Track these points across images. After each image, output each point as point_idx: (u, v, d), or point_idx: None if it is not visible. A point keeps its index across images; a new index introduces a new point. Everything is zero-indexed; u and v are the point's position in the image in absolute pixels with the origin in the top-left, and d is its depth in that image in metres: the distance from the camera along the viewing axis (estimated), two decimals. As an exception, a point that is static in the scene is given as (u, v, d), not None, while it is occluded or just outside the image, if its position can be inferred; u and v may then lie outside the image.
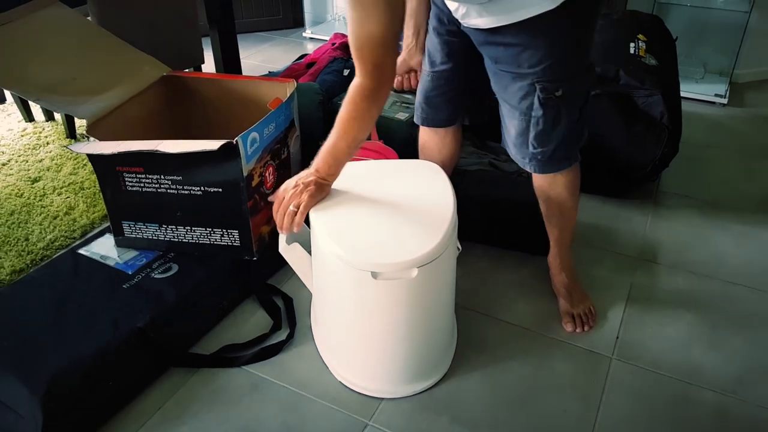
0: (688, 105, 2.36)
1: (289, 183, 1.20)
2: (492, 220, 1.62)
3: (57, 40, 1.53)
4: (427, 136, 1.47)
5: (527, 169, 1.29)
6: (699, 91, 2.51)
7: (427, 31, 1.36)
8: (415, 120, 1.46)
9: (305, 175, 1.19)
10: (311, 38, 3.32)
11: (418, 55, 1.67)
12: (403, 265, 1.07)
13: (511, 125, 1.25)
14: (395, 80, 1.65)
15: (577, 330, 1.38)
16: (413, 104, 1.48)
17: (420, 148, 1.50)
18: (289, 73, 2.30)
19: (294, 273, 1.35)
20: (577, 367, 1.31)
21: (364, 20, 1.00)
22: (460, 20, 1.17)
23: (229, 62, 2.26)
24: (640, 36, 2.02)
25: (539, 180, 1.33)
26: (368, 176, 1.29)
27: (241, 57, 2.34)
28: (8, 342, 1.19)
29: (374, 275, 1.07)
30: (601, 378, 1.28)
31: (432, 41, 1.32)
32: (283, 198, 1.19)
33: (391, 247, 1.09)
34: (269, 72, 2.48)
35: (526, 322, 1.42)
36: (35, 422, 1.07)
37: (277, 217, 1.19)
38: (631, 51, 1.94)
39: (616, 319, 1.43)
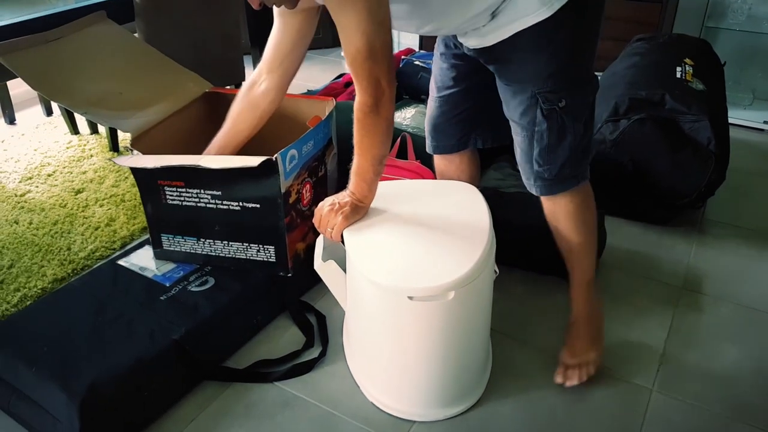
0: (736, 132, 2.30)
1: (326, 203, 1.20)
2: (528, 243, 1.60)
3: (105, 56, 1.58)
4: (441, 164, 1.44)
5: (532, 191, 1.23)
6: (747, 117, 2.44)
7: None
8: (427, 149, 1.42)
9: (342, 196, 1.19)
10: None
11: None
12: (440, 288, 1.06)
13: (516, 144, 1.21)
14: None
15: (566, 383, 1.27)
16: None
17: (438, 178, 1.47)
18: (328, 91, 2.33)
19: (328, 290, 1.35)
20: (616, 397, 1.26)
21: (348, 35, 0.99)
22: (464, 44, 1.17)
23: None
24: (687, 60, 1.99)
25: (547, 206, 1.25)
26: (404, 196, 1.29)
27: (281, 75, 2.37)
28: (48, 348, 1.22)
29: (410, 297, 1.06)
30: (640, 410, 1.23)
31: (439, 66, 1.31)
32: (320, 217, 1.20)
33: (428, 269, 1.08)
34: (308, 90, 2.51)
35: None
36: (72, 428, 1.09)
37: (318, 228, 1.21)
38: (678, 75, 1.90)
39: (657, 349, 1.38)
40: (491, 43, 1.10)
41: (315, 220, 1.22)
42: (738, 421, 1.21)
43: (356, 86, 1.05)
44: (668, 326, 1.45)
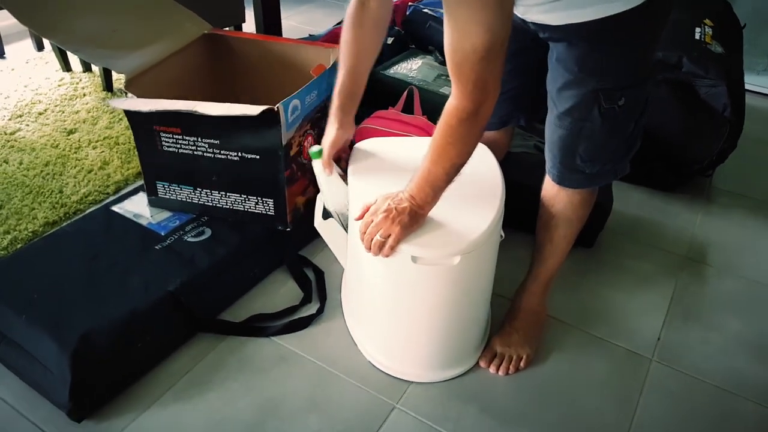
0: (749, 97, 2.23)
1: (380, 204, 1.04)
2: (532, 206, 1.56)
3: (99, -10, 1.49)
4: None
5: (556, 179, 1.14)
6: (761, 83, 2.37)
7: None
8: None
9: (399, 200, 1.02)
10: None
11: (340, 134, 1.21)
12: (446, 253, 1.02)
13: (554, 131, 1.10)
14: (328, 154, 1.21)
15: (490, 369, 1.22)
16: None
17: None
18: (331, 37, 2.23)
19: (327, 246, 1.32)
20: (615, 366, 1.26)
21: (466, 29, 0.82)
22: (520, 16, 1.04)
23: (270, 22, 2.19)
24: (707, 21, 1.90)
25: (550, 188, 1.17)
26: (412, 154, 1.23)
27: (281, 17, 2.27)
28: (39, 296, 1.19)
29: (414, 259, 1.03)
30: (639, 380, 1.23)
31: None
32: (371, 221, 1.03)
33: (434, 231, 1.04)
34: (310, 35, 2.41)
35: (562, 314, 1.37)
36: (63, 379, 1.07)
37: (363, 239, 1.05)
38: (697, 36, 1.82)
39: (658, 319, 1.37)
40: (559, 23, 0.96)
41: (362, 225, 1.04)
42: (738, 395, 1.21)
43: (455, 88, 0.89)
44: (670, 296, 1.43)
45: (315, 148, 1.21)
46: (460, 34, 0.84)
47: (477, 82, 0.86)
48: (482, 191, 1.12)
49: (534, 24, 1.03)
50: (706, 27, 1.88)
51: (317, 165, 1.22)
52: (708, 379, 1.23)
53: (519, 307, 1.28)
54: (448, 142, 0.95)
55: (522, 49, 1.09)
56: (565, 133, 1.08)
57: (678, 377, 1.24)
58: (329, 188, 1.22)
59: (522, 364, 1.23)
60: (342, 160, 1.25)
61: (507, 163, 1.53)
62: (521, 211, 1.54)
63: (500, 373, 1.21)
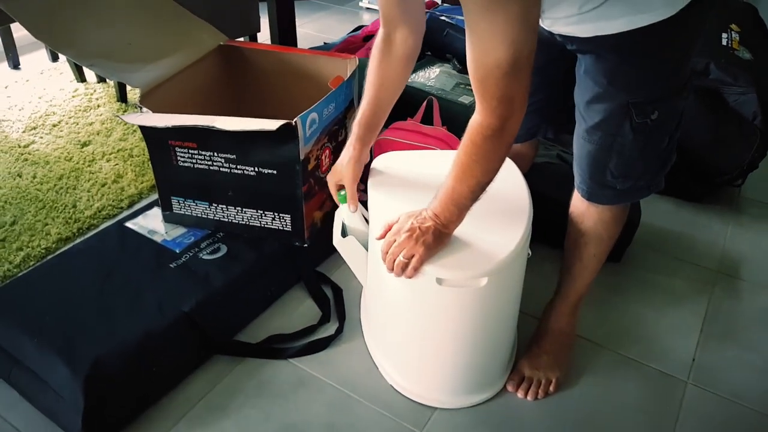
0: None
1: (403, 223, 1.00)
2: (558, 219, 1.51)
3: (113, 2, 1.46)
4: None
5: (585, 195, 1.09)
6: (788, 88, 2.30)
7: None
8: None
9: (422, 218, 0.98)
10: (368, 8, 3.19)
11: (358, 168, 1.16)
12: (472, 274, 0.98)
13: (582, 146, 1.05)
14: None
15: (519, 394, 1.17)
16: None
17: None
18: (346, 45, 2.20)
19: (345, 262, 1.27)
20: (649, 389, 1.20)
21: (488, 44, 0.78)
22: (547, 28, 1.00)
23: (285, 31, 2.17)
24: (733, 26, 1.84)
25: (579, 204, 1.12)
26: (434, 169, 1.19)
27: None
28: (51, 318, 1.16)
29: (438, 281, 0.98)
30: (674, 404, 1.17)
31: None
32: (394, 241, 0.99)
33: (459, 252, 1.00)
34: (324, 43, 2.38)
35: (591, 334, 1.31)
36: (76, 405, 1.03)
37: (386, 260, 1.00)
38: (723, 42, 1.76)
39: (692, 339, 1.31)
40: (587, 35, 0.92)
41: (384, 245, 1.00)
42: (777, 420, 1.15)
43: (480, 105, 0.85)
44: (703, 313, 1.38)
45: (342, 193, 1.17)
46: (482, 49, 0.80)
47: (502, 98, 0.83)
48: (509, 208, 1.08)
49: (561, 36, 0.99)
50: (732, 32, 1.82)
51: (343, 209, 1.19)
52: (747, 403, 1.17)
53: (547, 327, 1.23)
54: (473, 159, 0.91)
55: (550, 61, 1.05)
56: (595, 147, 1.03)
57: (715, 401, 1.18)
58: (354, 226, 1.20)
59: (551, 388, 1.17)
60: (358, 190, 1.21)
61: (530, 173, 1.48)
62: (546, 224, 1.48)
63: (529, 397, 1.16)
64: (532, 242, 1.10)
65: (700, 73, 1.67)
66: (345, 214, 1.20)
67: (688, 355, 1.27)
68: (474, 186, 0.93)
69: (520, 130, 1.17)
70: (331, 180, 1.19)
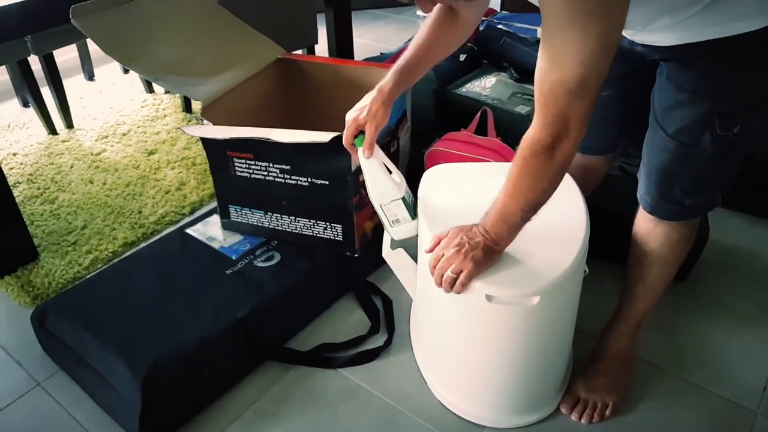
0: None
1: (452, 237, 0.98)
2: (619, 234, 1.45)
3: (177, 19, 1.52)
4: (581, 159, 1.25)
5: (648, 208, 1.04)
6: None
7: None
8: None
9: (473, 233, 0.96)
10: (425, 17, 3.18)
11: (383, 111, 1.09)
12: (524, 292, 0.95)
13: (655, 154, 1.00)
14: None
15: (572, 416, 1.13)
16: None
17: (569, 171, 1.30)
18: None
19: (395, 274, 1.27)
20: (714, 418, 1.13)
21: (559, 58, 0.76)
22: (629, 38, 0.96)
23: (343, 42, 2.19)
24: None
25: (644, 224, 1.07)
26: (487, 181, 1.17)
27: (353, 35, 2.27)
28: (115, 320, 1.21)
29: (488, 298, 0.96)
30: (741, 435, 1.10)
31: None
32: (442, 255, 0.97)
33: (511, 268, 0.97)
34: (381, 53, 2.39)
35: (653, 356, 1.25)
36: (134, 405, 1.08)
37: (434, 274, 0.99)
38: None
39: (762, 365, 1.23)
40: (674, 43, 0.88)
41: (432, 259, 0.98)
42: None
43: (536, 116, 0.83)
44: (776, 338, 1.29)
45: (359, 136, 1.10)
46: (552, 62, 0.77)
47: (558, 115, 0.80)
48: (564, 224, 1.04)
49: (643, 45, 0.95)
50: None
51: (359, 155, 1.10)
52: (824, 438, 1.09)
53: (606, 348, 1.18)
54: (521, 175, 0.88)
55: (630, 72, 1.02)
56: (669, 157, 0.98)
57: (787, 434, 1.10)
58: (370, 175, 1.11)
59: (608, 412, 1.13)
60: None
61: (594, 187, 1.42)
62: (607, 239, 1.43)
63: (583, 421, 1.12)
64: (591, 257, 1.06)
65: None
66: (361, 161, 1.12)
67: (759, 383, 1.20)
68: (523, 204, 0.91)
69: (599, 141, 1.13)
70: (351, 119, 1.09)
